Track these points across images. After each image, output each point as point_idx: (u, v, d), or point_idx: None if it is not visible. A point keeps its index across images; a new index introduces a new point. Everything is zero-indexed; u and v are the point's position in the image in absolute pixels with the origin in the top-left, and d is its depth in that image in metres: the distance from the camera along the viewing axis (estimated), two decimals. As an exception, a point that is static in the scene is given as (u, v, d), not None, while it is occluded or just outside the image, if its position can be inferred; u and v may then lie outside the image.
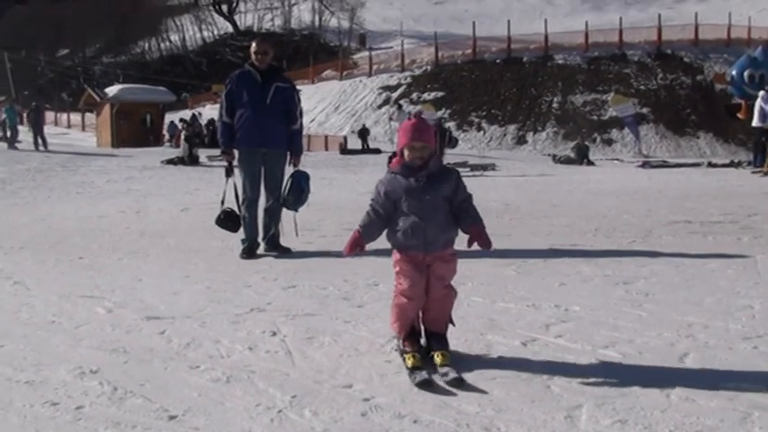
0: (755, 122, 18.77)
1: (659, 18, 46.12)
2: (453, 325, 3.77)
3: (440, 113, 37.04)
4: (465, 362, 3.63)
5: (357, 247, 3.65)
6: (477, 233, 3.61)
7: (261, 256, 6.95)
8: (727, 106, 38.19)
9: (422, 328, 3.76)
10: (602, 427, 2.89)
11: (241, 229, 7.11)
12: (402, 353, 3.66)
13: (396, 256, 3.68)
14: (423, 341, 3.72)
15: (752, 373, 3.46)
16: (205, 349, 3.97)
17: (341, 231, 8.54)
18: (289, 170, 7.14)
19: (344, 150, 29.78)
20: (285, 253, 7.00)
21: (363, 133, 34.47)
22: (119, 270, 6.39)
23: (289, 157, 7.13)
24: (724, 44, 45.19)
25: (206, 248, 7.41)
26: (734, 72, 34.34)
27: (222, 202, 7.25)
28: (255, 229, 7.09)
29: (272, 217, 7.12)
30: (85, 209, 11.52)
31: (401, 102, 40.41)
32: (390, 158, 3.71)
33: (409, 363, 3.52)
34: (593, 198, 12.18)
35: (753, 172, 18.18)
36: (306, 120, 48.18)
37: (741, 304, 4.76)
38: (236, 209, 7.20)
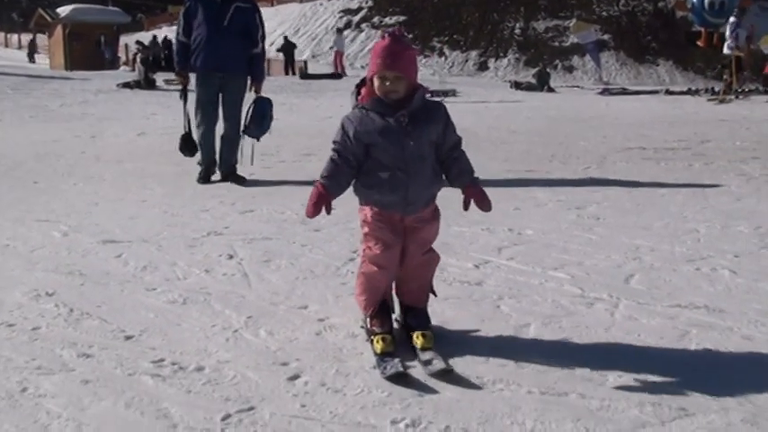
0: (725, 50, 19.07)
1: (623, -57, 45.69)
2: (435, 295, 3.15)
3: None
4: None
5: (322, 204, 2.85)
6: (476, 193, 2.91)
7: (216, 181, 6.88)
8: (688, 34, 38.32)
9: (395, 301, 3.15)
10: (547, 343, 3.01)
11: (198, 153, 6.99)
12: (369, 334, 2.98)
13: (364, 212, 2.96)
14: (396, 317, 3.13)
15: (693, 292, 3.60)
16: (162, 272, 4.00)
17: (300, 157, 8.56)
18: (250, 96, 6.94)
19: (305, 75, 29.41)
20: (241, 182, 6.80)
21: (289, 49, 33.68)
22: (74, 195, 6.34)
23: (250, 83, 6.90)
24: (686, -30, 45.05)
25: (163, 173, 7.36)
26: (695, -1, 34.39)
27: (185, 128, 7.06)
28: (213, 152, 6.93)
29: (230, 145, 6.90)
30: (39, 133, 11.31)
31: (340, 26, 39.64)
32: (358, 87, 2.95)
33: (378, 347, 2.85)
34: (551, 125, 12.26)
35: (708, 99, 18.41)
36: (265, 43, 47.26)
37: (687, 228, 4.90)
38: (194, 133, 7.03)
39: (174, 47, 6.93)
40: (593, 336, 3.07)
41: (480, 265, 4.07)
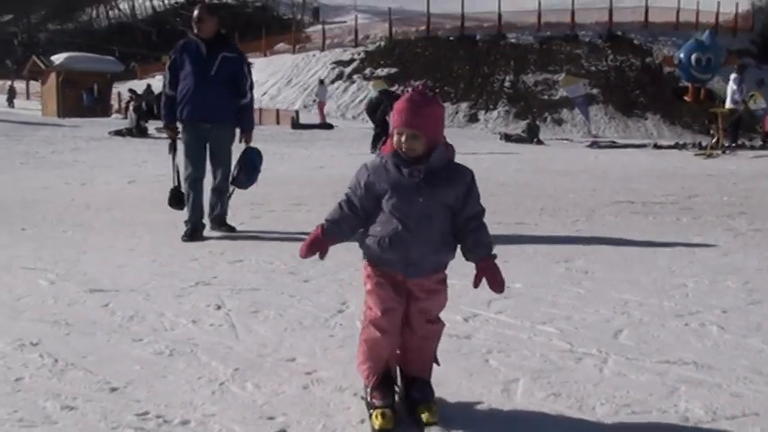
0: (728, 104, 19.38)
1: (611, 0, 46.59)
2: (438, 364, 2.95)
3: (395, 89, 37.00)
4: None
5: (317, 248, 2.79)
6: (489, 270, 2.72)
7: (206, 238, 6.60)
8: (675, 89, 38.94)
9: (398, 370, 2.92)
10: (537, 399, 2.99)
11: (185, 209, 6.75)
12: (369, 407, 2.76)
13: (367, 269, 2.78)
14: (398, 388, 2.89)
15: (682, 348, 3.60)
16: (149, 322, 3.97)
17: (290, 207, 8.57)
18: (240, 147, 6.84)
19: (296, 125, 29.61)
20: (230, 232, 6.73)
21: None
22: (63, 242, 6.32)
23: (239, 133, 6.79)
24: (673, 27, 45.80)
25: (152, 222, 7.36)
26: (682, 55, 35.01)
27: (174, 182, 6.91)
28: (200, 209, 6.68)
29: (220, 196, 6.79)
30: (29, 180, 11.31)
31: (322, 78, 39.96)
32: (382, 139, 3.20)
33: (377, 423, 2.66)
34: (540, 177, 12.35)
35: (696, 154, 18.60)
36: (257, 93, 47.26)
37: (676, 283, 4.91)
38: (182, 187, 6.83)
39: (162, 101, 6.81)
40: (582, 391, 3.06)
41: (469, 319, 4.06)
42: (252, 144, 6.89)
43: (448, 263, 2.79)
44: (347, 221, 2.78)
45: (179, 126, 6.73)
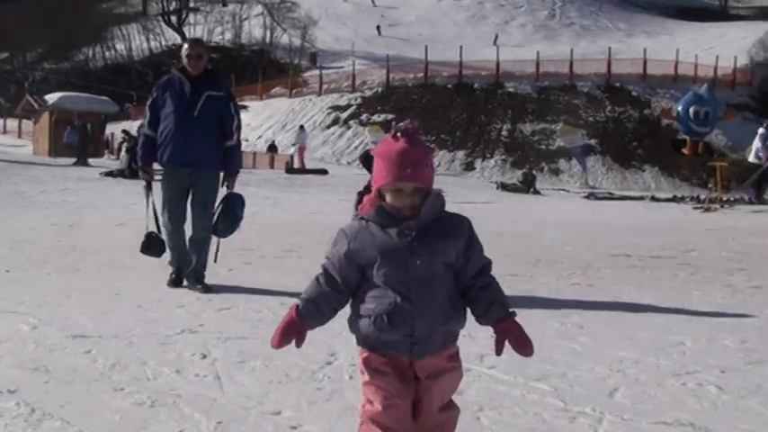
0: (751, 159, 19.59)
1: (609, 51, 47.15)
2: None
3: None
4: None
5: (291, 334, 2.40)
6: (512, 332, 2.37)
7: (176, 294, 6.16)
8: (673, 141, 39.21)
9: None
10: (529, 460, 2.94)
11: (168, 253, 6.43)
12: None
13: (362, 355, 2.40)
14: None
15: (679, 408, 3.55)
16: (131, 371, 3.91)
17: (281, 253, 8.53)
18: (222, 192, 6.44)
19: (290, 170, 29.71)
20: (207, 291, 6.14)
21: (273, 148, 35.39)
22: (46, 285, 6.27)
23: (222, 178, 6.38)
24: (671, 80, 46.40)
25: (139, 266, 7.30)
26: (680, 108, 35.26)
27: (149, 227, 6.54)
28: (184, 253, 6.36)
29: (199, 249, 6.32)
30: (16, 220, 11.27)
31: (303, 124, 40.26)
32: (360, 195, 2.69)
33: None
34: (536, 228, 12.36)
35: (694, 207, 18.68)
36: (252, 137, 47.46)
37: (673, 340, 4.87)
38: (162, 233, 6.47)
39: (140, 141, 6.46)
40: (576, 453, 3.00)
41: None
42: (238, 189, 6.49)
43: (458, 333, 2.42)
44: (327, 300, 2.40)
45: (156, 167, 6.41)
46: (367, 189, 2.57)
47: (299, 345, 2.43)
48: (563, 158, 40.12)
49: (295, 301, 2.47)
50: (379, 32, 70.14)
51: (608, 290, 6.74)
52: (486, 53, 50.85)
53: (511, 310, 2.40)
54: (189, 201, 6.35)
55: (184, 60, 6.26)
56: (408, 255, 2.30)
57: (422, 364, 2.34)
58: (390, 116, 44.57)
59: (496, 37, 64.25)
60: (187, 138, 6.12)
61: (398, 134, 2.33)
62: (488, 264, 2.42)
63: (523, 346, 2.36)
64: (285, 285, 6.39)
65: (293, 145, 35.38)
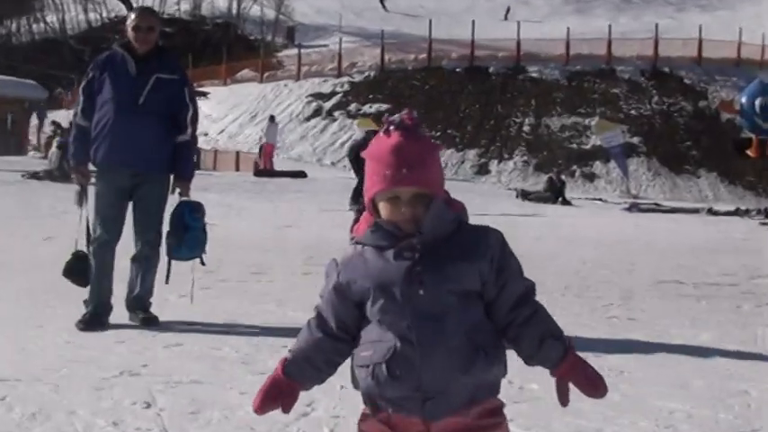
0: None
1: (656, 29, 47.26)
2: None
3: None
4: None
5: (276, 396, 2.33)
6: (574, 372, 2.28)
7: (115, 326, 6.06)
8: (735, 141, 39.21)
9: None
10: None
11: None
12: None
13: (363, 413, 2.34)
14: None
15: (742, 476, 3.53)
16: (55, 422, 3.88)
17: (247, 276, 8.52)
18: (173, 200, 6.31)
19: (260, 172, 29.73)
20: (152, 323, 6.06)
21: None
22: (-47, 315, 6.24)
23: (173, 181, 6.27)
24: (733, 65, 46.51)
25: (70, 290, 7.23)
26: (744, 99, 35.30)
27: (78, 244, 6.32)
28: (107, 286, 6.12)
29: (144, 272, 6.17)
30: None
31: (274, 114, 40.17)
32: (358, 213, 2.64)
33: None
34: (565, 247, 12.37)
35: (761, 223, 18.73)
36: (213, 131, 47.59)
37: (735, 389, 4.86)
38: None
39: (72, 133, 6.27)
40: None
41: (470, 429, 3.98)
42: (190, 197, 6.34)
43: (497, 383, 2.30)
44: (321, 350, 2.33)
45: (92, 168, 6.23)
46: (360, 209, 2.44)
47: (286, 410, 2.34)
48: (599, 161, 40.21)
49: (285, 353, 2.42)
50: (384, 6, 69.89)
51: (654, 325, 6.72)
52: (504, 30, 51.04)
53: (569, 343, 2.29)
54: (131, 211, 6.21)
55: (130, 34, 6.08)
56: (407, 283, 2.20)
57: (441, 427, 2.20)
58: (385, 106, 44.64)
59: (508, 10, 64.32)
60: (129, 130, 5.94)
61: (391, 128, 2.27)
62: (530, 289, 2.31)
63: (594, 386, 2.26)
64: (251, 316, 6.37)
65: (260, 139, 35.04)
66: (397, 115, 2.31)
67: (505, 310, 2.26)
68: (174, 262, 6.33)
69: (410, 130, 2.26)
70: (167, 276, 6.27)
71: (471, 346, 2.20)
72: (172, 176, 6.26)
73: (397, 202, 2.23)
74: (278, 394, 2.32)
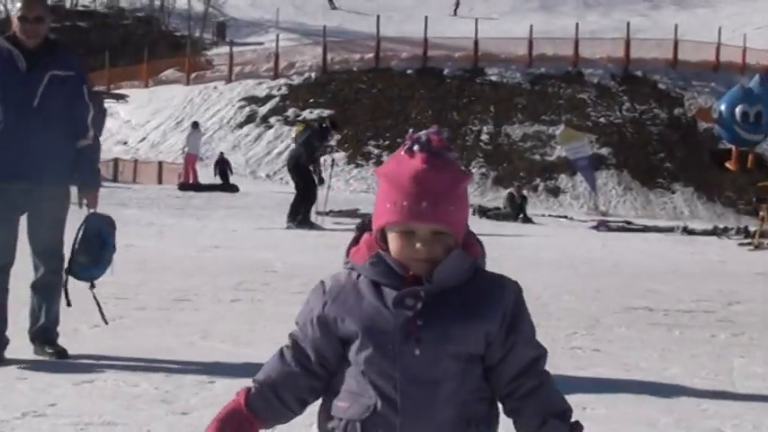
0: None
1: (628, 28, 47.76)
2: None
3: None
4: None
5: (233, 427, 2.25)
6: None
7: (16, 361, 5.90)
8: (713, 153, 39.85)
9: None
10: None
11: None
12: None
13: None
14: None
15: None
16: (-53, 472, 3.85)
17: (168, 304, 8.46)
18: (79, 214, 6.17)
19: (185, 185, 29.56)
20: (60, 357, 5.97)
21: (223, 166, 34.30)
22: None
23: (78, 192, 6.10)
24: (712, 68, 47.03)
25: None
26: (723, 107, 35.95)
27: None
28: (3, 316, 5.96)
29: (47, 299, 6.04)
30: None
31: (197, 121, 39.93)
32: (359, 231, 2.32)
33: None
34: (525, 270, 12.40)
35: (740, 243, 18.99)
36: (133, 138, 47.10)
37: (708, 427, 4.94)
38: None
39: None
40: None
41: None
42: (98, 210, 6.21)
43: None
44: (294, 385, 2.26)
45: None
46: (365, 225, 2.32)
47: None
48: (564, 174, 40.48)
49: (247, 383, 2.33)
50: (333, 4, 69.76)
51: (621, 357, 6.81)
52: (460, 28, 51.36)
53: (574, 421, 2.23)
54: (26, 230, 6.00)
55: (16, 26, 5.92)
56: (403, 338, 2.13)
57: None
58: (327, 112, 44.64)
59: (457, 4, 64.46)
60: (22, 137, 5.79)
61: (415, 148, 2.17)
62: (541, 357, 2.25)
63: None
64: (173, 350, 6.33)
65: (182, 149, 34.64)
66: (423, 133, 2.21)
67: (508, 377, 2.22)
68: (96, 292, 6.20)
69: (437, 155, 2.17)
70: (67, 298, 6.11)
71: (463, 419, 2.16)
72: (72, 188, 6.10)
73: (410, 238, 2.15)
74: (235, 428, 2.23)
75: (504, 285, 2.26)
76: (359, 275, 2.22)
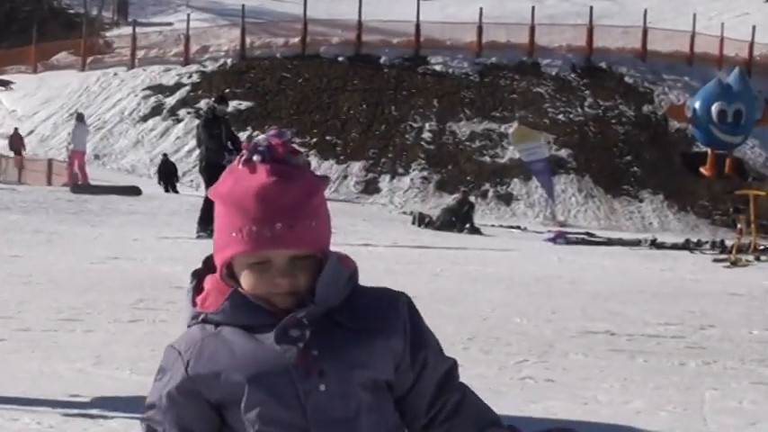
0: None
1: (590, 13, 48.14)
2: None
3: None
4: None
5: None
6: None
7: None
8: (686, 156, 40.30)
9: None
10: None
11: None
12: None
13: None
14: None
15: None
16: None
17: (57, 324, 8.37)
18: None
19: (78, 187, 29.25)
20: None
21: (167, 170, 34.44)
22: None
23: None
24: (684, 61, 47.57)
25: None
26: (698, 104, 36.43)
27: None
28: None
29: None
30: None
31: (82, 112, 39.61)
32: (197, 276, 2.16)
33: None
34: (471, 287, 12.45)
35: (715, 259, 19.20)
36: (23, 130, 46.35)
37: (674, 468, 5.00)
38: None
39: None
40: None
41: None
42: None
43: None
44: None
45: None
46: (207, 266, 2.15)
47: None
48: (517, 178, 40.71)
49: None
50: None
51: (577, 388, 6.85)
52: (400, 10, 51.38)
53: (508, 425, 2.19)
54: None
55: None
56: (302, 375, 2.00)
57: None
58: (246, 104, 44.53)
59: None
60: None
61: (254, 159, 2.02)
62: (453, 366, 2.17)
63: None
64: (60, 377, 6.27)
65: (68, 146, 34.20)
66: (261, 138, 2.07)
67: (428, 399, 2.12)
68: None
69: (284, 162, 2.03)
70: None
71: None
72: None
73: (266, 269, 2.01)
74: None
75: (395, 297, 2.14)
76: (217, 326, 2.06)
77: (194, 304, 2.11)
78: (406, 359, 2.07)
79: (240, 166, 2.02)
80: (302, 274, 2.00)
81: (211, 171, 18.22)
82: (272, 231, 1.97)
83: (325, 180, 2.13)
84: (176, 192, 32.71)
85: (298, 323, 1.98)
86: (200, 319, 2.08)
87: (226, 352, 2.02)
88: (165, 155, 37.17)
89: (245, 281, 2.02)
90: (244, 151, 2.02)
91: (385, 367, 2.05)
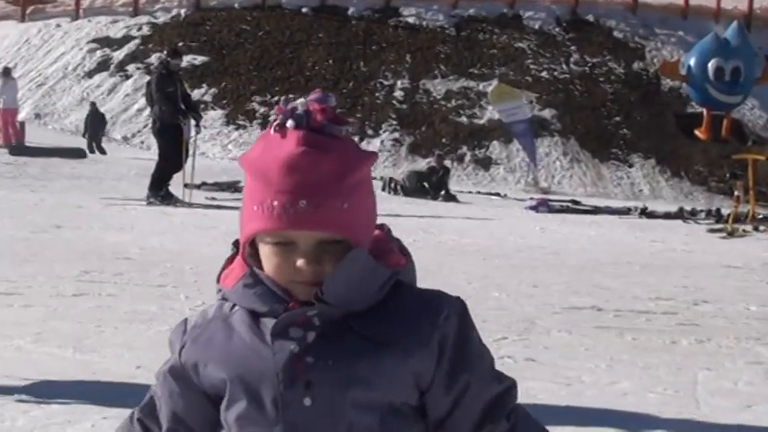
0: None
1: (577, -40, 48.20)
2: None
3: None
4: None
5: None
6: None
7: None
8: (681, 117, 40.33)
9: None
10: None
11: None
12: None
13: None
14: None
15: None
16: None
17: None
18: None
19: (18, 148, 29.09)
20: None
21: (95, 122, 34.17)
22: None
23: None
24: (679, 14, 47.60)
25: None
26: (693, 61, 36.43)
27: None
28: None
29: None
30: None
31: (9, 66, 39.22)
32: (232, 251, 2.03)
33: None
34: (446, 259, 12.45)
35: (710, 229, 19.25)
36: (-49, 88, 45.99)
37: (664, 453, 5.02)
38: None
39: None
40: None
41: None
42: None
43: None
44: None
45: None
46: (235, 249, 2.05)
47: None
48: (497, 141, 40.70)
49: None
50: None
51: (560, 368, 6.87)
52: (370, -45, 51.21)
53: None
54: None
55: None
56: (287, 383, 1.89)
57: None
58: (200, 59, 44.33)
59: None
60: None
61: (288, 123, 1.90)
62: (506, 392, 2.01)
63: None
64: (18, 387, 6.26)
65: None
66: (299, 102, 1.95)
67: (468, 426, 1.97)
68: None
69: (321, 132, 1.91)
70: None
71: None
72: None
73: (290, 252, 1.90)
74: None
75: (439, 305, 1.95)
76: (233, 306, 1.99)
77: (219, 279, 2.03)
78: (439, 381, 1.92)
79: (272, 132, 1.92)
80: (330, 263, 1.87)
81: (166, 133, 18.22)
82: (294, 209, 1.85)
83: (370, 156, 2.01)
84: (102, 152, 32.40)
85: (306, 322, 1.89)
86: (221, 295, 2.02)
87: (222, 341, 1.96)
88: (93, 103, 36.66)
89: (267, 263, 1.92)
90: (277, 114, 1.92)
91: (399, 389, 1.90)
